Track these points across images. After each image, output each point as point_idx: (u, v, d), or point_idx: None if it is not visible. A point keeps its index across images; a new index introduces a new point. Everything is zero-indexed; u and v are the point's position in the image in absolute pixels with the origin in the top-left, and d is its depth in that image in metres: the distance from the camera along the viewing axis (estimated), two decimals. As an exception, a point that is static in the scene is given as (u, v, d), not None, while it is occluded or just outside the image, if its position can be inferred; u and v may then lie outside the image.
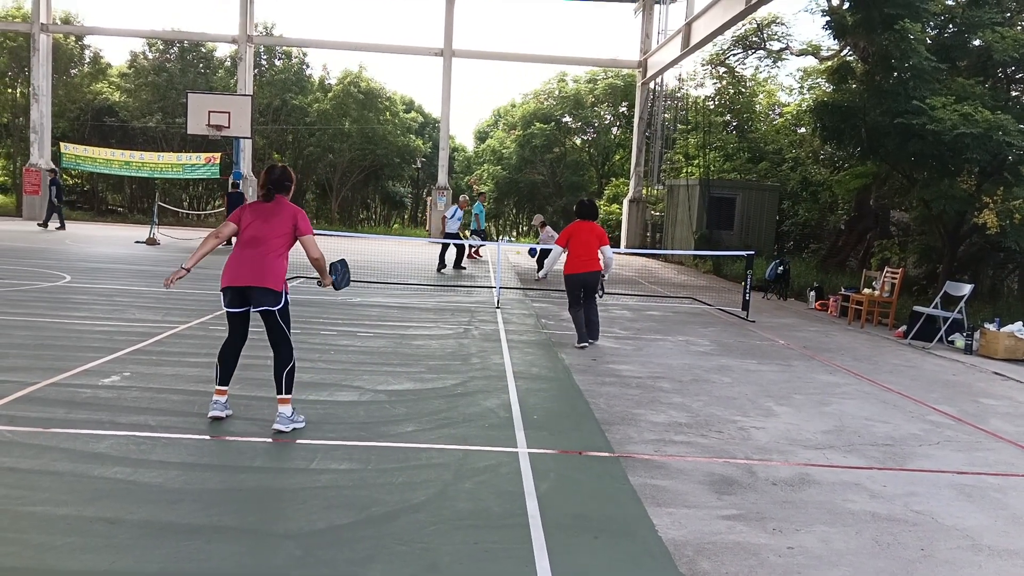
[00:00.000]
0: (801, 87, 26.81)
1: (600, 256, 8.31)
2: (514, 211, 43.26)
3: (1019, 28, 13.19)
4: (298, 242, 4.76)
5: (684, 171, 25.24)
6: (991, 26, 11.96)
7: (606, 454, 4.64)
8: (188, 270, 4.66)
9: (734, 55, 27.79)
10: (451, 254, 16.56)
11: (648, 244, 26.61)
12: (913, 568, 3.39)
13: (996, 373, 8.29)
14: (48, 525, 3.29)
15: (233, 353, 4.81)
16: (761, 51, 26.95)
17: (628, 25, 71.71)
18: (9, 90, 32.24)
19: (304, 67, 36.06)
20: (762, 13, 24.04)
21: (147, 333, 7.36)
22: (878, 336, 10.58)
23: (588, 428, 5.18)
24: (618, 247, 25.66)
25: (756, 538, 3.58)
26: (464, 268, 16.60)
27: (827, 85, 18.81)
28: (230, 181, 20.77)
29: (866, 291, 11.92)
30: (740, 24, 22.55)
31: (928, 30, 12.50)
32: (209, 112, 20.23)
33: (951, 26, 12.97)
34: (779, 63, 28.09)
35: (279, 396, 4.67)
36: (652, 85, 27.45)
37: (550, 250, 8.94)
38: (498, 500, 3.83)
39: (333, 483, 3.92)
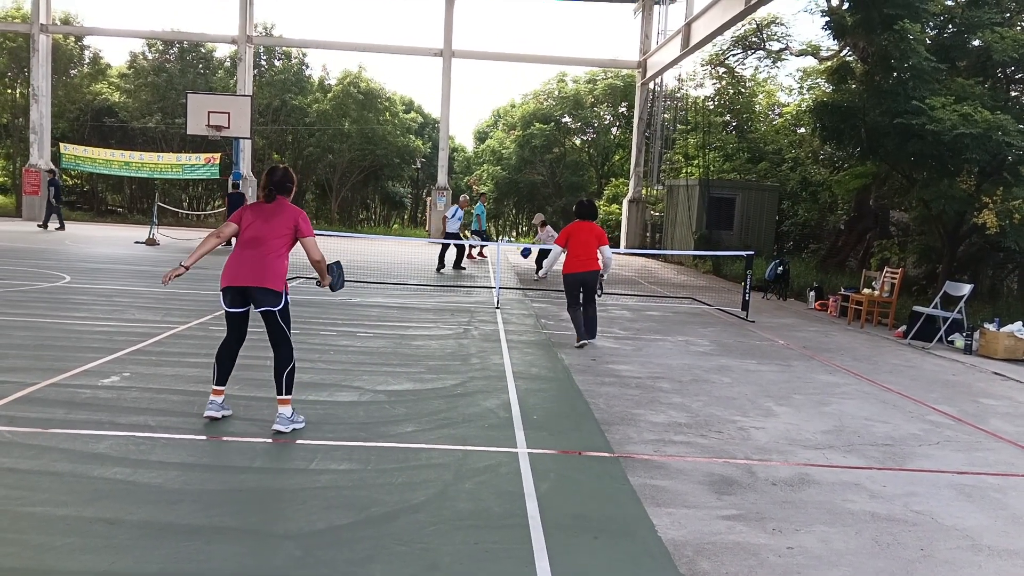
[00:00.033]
0: (801, 87, 26.82)
1: (599, 256, 8.32)
2: (514, 211, 43.23)
3: (1018, 28, 13.19)
4: (299, 243, 4.78)
5: (684, 171, 25.23)
6: (990, 26, 11.98)
7: (606, 454, 4.64)
8: (187, 268, 4.66)
9: (734, 55, 27.80)
10: (451, 254, 16.56)
11: (648, 244, 26.61)
12: (913, 568, 3.39)
13: (996, 373, 8.29)
14: (48, 525, 3.29)
15: (230, 354, 4.82)
16: (761, 51, 26.96)
17: (628, 25, 71.70)
18: (9, 91, 32.24)
19: (304, 67, 36.05)
20: (761, 13, 24.04)
21: (147, 333, 7.36)
22: (878, 336, 10.58)
23: (588, 428, 5.18)
24: (618, 247, 25.67)
25: (756, 538, 3.59)
26: (463, 268, 16.59)
27: (827, 85, 18.80)
28: (230, 182, 20.77)
29: (866, 291, 11.92)
30: (740, 24, 22.55)
31: (928, 30, 12.51)
32: (209, 112, 20.22)
33: (951, 26, 12.99)
34: (779, 63, 28.11)
35: (279, 396, 4.67)
36: (652, 85, 27.44)
37: (550, 250, 8.94)
38: (498, 500, 3.83)
39: (333, 483, 3.92)
